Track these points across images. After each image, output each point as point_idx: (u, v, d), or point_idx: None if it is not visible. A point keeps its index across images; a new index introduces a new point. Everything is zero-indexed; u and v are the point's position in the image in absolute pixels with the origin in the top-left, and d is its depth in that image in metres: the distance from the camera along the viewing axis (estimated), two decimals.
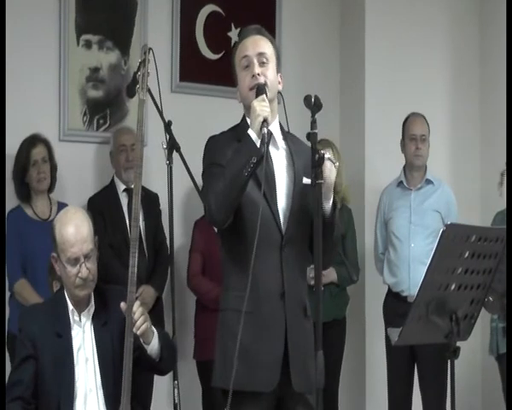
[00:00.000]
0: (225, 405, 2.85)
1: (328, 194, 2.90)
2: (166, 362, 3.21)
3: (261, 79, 2.96)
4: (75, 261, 3.06)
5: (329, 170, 2.83)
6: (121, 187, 4.75)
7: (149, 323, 3.05)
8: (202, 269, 4.78)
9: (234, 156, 2.86)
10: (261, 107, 2.85)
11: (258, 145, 2.82)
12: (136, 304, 3.02)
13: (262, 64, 3.00)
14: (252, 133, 2.85)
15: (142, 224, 4.69)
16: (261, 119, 2.83)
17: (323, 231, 2.75)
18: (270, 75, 3.00)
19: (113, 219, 4.63)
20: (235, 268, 2.97)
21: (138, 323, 2.99)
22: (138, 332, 2.99)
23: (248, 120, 2.98)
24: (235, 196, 2.85)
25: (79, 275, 3.06)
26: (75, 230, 3.07)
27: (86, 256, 3.07)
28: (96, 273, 3.16)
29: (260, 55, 3.00)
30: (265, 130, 2.80)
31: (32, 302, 4.01)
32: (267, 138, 2.81)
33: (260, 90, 2.92)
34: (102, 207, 4.64)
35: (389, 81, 5.55)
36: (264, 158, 2.77)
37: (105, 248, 4.44)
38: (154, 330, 3.11)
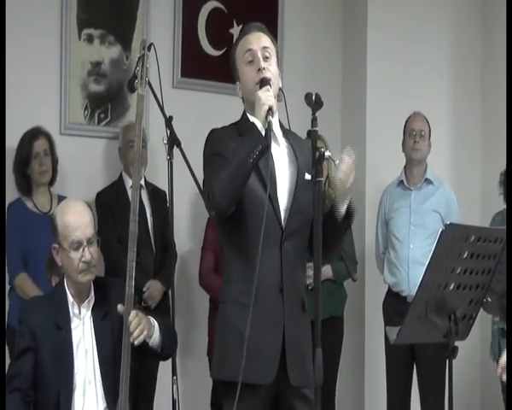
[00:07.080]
0: (223, 396, 2.91)
1: (343, 197, 2.93)
2: (168, 351, 3.24)
3: (267, 74, 2.98)
4: (78, 245, 3.11)
5: (346, 173, 2.85)
6: (129, 183, 4.69)
7: (148, 324, 3.04)
8: (214, 267, 4.74)
9: (239, 145, 2.88)
10: (266, 96, 2.88)
11: (263, 134, 2.84)
12: (132, 314, 3.02)
13: (266, 59, 3.03)
14: (257, 123, 2.86)
15: (149, 219, 4.72)
16: (267, 107, 2.85)
17: (334, 231, 2.86)
18: (273, 70, 3.03)
19: (122, 214, 4.59)
20: (235, 262, 2.98)
21: (135, 334, 3.00)
22: (136, 343, 3.00)
23: (250, 117, 3.00)
24: (239, 184, 2.85)
25: (83, 259, 3.11)
26: (76, 215, 3.15)
27: (88, 241, 3.13)
28: (98, 260, 3.21)
29: (264, 48, 3.03)
30: (271, 118, 2.82)
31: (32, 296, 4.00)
32: (271, 127, 2.83)
33: (264, 82, 2.94)
34: (111, 203, 4.64)
35: (391, 80, 5.56)
36: (269, 147, 2.80)
37: (114, 243, 4.44)
38: (155, 324, 3.11)
